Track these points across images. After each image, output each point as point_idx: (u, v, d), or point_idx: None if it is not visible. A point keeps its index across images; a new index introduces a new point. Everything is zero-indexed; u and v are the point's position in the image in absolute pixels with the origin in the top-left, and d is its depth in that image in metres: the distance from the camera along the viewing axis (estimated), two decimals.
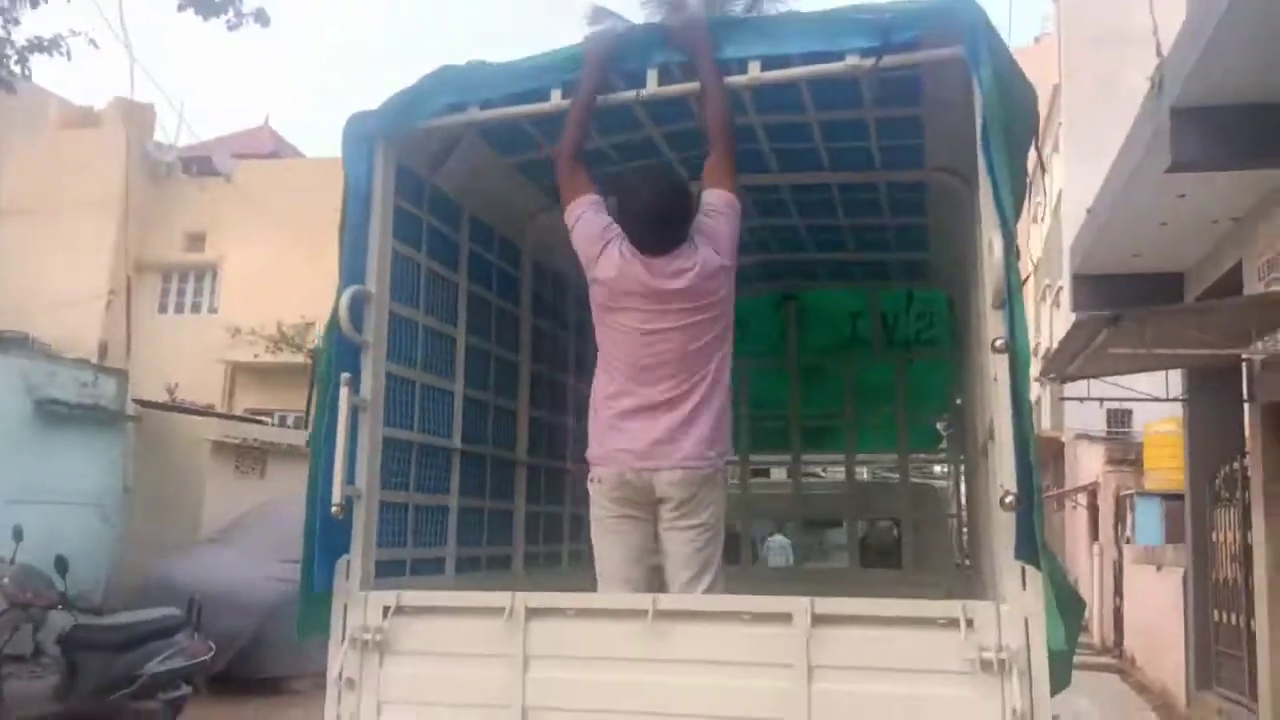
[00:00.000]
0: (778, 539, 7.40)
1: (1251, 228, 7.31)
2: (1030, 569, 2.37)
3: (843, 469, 5.68)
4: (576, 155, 3.10)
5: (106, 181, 20.06)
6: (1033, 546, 2.34)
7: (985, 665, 2.34)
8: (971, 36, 2.51)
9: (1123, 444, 16.07)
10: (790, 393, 5.54)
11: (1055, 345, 11.11)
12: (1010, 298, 2.42)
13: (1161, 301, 8.80)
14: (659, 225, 2.92)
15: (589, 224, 3.02)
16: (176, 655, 7.18)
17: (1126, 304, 8.94)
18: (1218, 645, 8.91)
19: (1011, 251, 2.46)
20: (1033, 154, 2.99)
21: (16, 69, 8.19)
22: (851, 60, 2.70)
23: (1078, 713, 9.59)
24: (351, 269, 3.00)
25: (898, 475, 5.58)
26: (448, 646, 2.79)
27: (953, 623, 2.39)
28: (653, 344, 2.94)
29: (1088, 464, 17.99)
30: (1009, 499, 2.33)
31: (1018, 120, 2.64)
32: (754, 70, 2.84)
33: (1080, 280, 9.53)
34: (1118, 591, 14.16)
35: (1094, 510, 16.99)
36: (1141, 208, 7.48)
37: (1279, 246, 6.79)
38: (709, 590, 2.91)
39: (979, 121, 2.51)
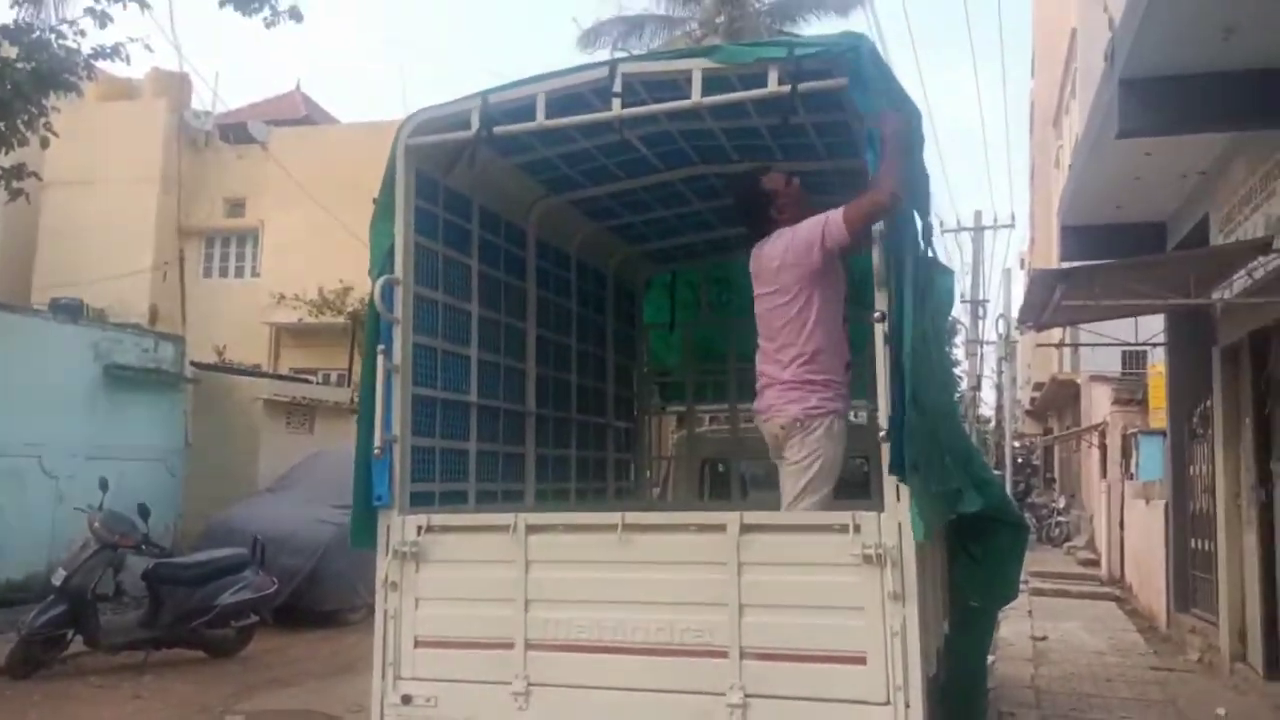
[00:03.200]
0: None
1: (1214, 183, 7.81)
2: (902, 485, 3.09)
3: None
4: None
5: (146, 151, 20.80)
6: (902, 466, 3.06)
7: (868, 559, 3.09)
8: (855, 70, 3.18)
9: (1130, 384, 16.57)
10: None
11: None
12: (888, 278, 3.12)
13: (1144, 251, 9.30)
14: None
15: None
16: (245, 589, 8.16)
17: (1112, 254, 9.46)
18: (1194, 570, 9.55)
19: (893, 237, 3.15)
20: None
21: (84, 73, 9.00)
22: (772, 87, 3.38)
23: (1065, 633, 10.37)
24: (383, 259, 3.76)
25: (866, 419, 6.26)
26: (467, 555, 3.61)
27: (844, 527, 3.14)
28: None
29: (1100, 404, 18.51)
30: (881, 434, 3.07)
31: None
32: (697, 93, 3.49)
33: (1068, 231, 10.00)
34: (1121, 525, 14.79)
35: (1104, 449, 17.56)
36: (1113, 164, 7.97)
37: (1235, 201, 7.32)
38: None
39: (866, 136, 3.19)
